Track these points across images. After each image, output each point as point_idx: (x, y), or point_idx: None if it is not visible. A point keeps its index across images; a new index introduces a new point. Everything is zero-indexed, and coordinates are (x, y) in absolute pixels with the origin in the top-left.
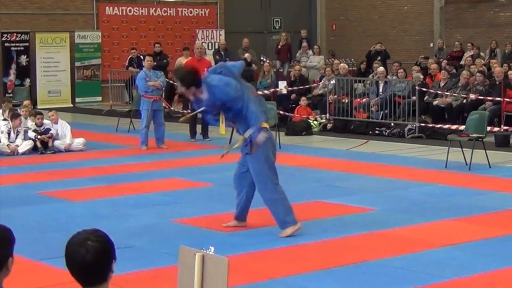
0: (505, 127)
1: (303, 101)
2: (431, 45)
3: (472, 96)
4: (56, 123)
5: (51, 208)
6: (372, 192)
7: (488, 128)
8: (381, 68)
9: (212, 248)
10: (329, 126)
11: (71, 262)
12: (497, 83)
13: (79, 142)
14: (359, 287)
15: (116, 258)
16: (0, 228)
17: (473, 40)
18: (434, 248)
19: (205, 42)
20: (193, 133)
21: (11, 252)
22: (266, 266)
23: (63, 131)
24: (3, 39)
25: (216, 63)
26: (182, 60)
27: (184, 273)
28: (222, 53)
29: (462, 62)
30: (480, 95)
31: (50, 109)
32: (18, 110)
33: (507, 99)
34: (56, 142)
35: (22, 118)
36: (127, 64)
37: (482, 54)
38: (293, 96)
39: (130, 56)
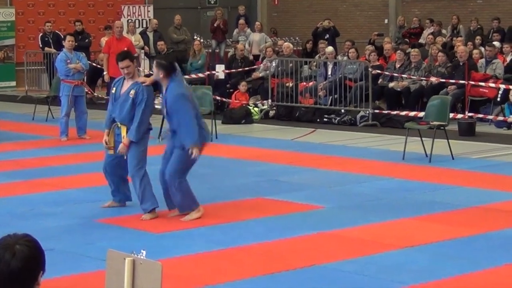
0: (470, 114)
1: (243, 86)
2: (386, 21)
3: (432, 79)
4: None
5: None
6: (321, 188)
7: (451, 115)
8: (330, 48)
9: (144, 252)
10: (271, 113)
11: None
12: (461, 64)
13: None
14: None
15: (45, 270)
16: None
17: (433, 16)
18: (391, 250)
19: (132, 20)
20: None
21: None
22: (202, 271)
23: None
24: None
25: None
26: (104, 41)
27: (112, 280)
28: (150, 35)
29: (421, 41)
30: (442, 77)
31: None
32: None
33: (472, 82)
34: None
35: None
36: (40, 42)
37: (443, 31)
38: (232, 80)
39: (43, 32)
